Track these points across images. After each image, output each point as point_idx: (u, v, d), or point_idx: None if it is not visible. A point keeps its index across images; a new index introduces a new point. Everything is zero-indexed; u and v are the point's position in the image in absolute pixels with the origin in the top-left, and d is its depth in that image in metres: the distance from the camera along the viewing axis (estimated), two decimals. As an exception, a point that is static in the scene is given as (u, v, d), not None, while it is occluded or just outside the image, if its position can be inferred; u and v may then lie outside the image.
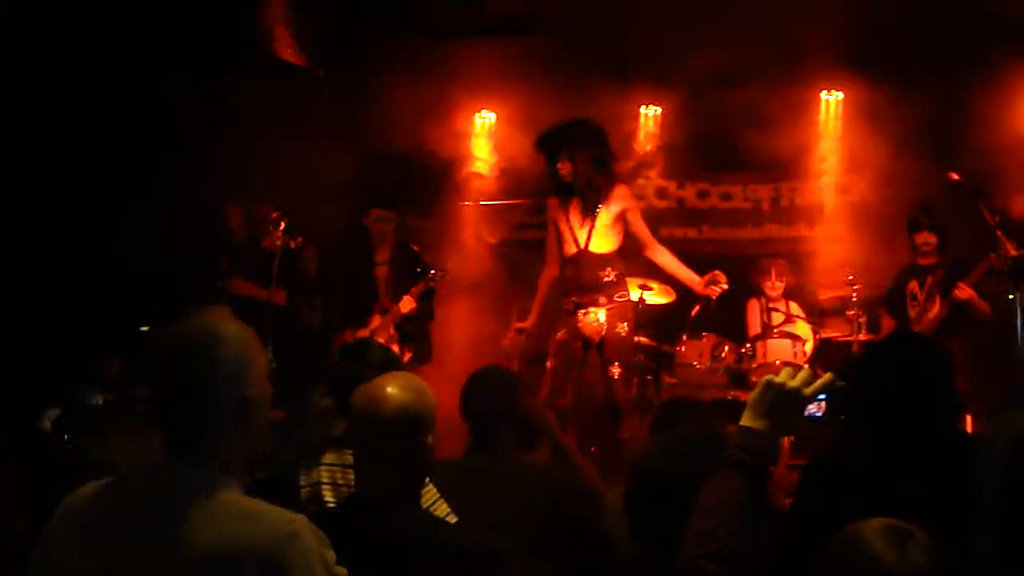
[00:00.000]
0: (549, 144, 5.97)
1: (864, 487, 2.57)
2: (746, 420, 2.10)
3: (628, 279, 6.22)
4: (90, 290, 6.65)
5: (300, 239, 6.52)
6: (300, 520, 1.91)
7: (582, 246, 5.97)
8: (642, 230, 6.12)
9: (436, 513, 2.76)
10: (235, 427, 1.96)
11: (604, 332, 5.85)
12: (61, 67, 6.43)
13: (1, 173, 6.32)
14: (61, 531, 1.97)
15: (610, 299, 5.91)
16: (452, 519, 2.80)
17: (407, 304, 6.54)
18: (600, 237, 5.96)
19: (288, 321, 6.89)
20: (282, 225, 6.39)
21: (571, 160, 5.86)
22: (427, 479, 2.59)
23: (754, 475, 2.04)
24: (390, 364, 2.99)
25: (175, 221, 6.70)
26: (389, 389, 2.49)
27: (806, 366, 2.22)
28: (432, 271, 6.57)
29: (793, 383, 2.09)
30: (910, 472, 2.57)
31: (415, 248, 7.01)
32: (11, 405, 5.32)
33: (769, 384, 2.11)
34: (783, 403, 2.08)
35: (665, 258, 6.17)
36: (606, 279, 5.90)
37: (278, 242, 6.40)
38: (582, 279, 5.93)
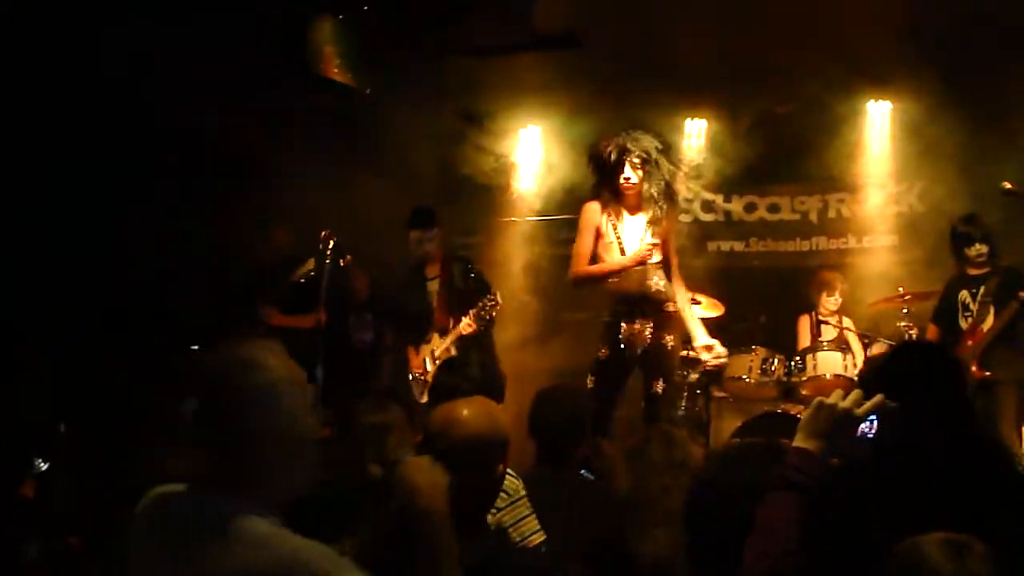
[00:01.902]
0: (619, 149, 5.61)
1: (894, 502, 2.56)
2: (799, 441, 2.14)
3: None
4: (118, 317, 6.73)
5: (349, 257, 6.56)
6: (316, 551, 1.90)
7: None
8: (672, 255, 5.83)
9: (525, 528, 2.78)
10: (266, 457, 1.98)
11: (649, 344, 5.59)
12: (107, 88, 6.52)
13: (39, 200, 6.44)
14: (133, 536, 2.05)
15: (657, 310, 5.66)
16: (540, 536, 2.82)
17: (468, 327, 6.36)
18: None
19: (337, 341, 6.92)
20: (331, 243, 6.45)
21: (645, 168, 5.61)
22: (521, 492, 2.60)
23: (808, 494, 2.06)
24: (490, 382, 3.03)
25: (217, 247, 6.77)
26: (465, 412, 2.50)
27: (857, 391, 2.21)
28: (484, 300, 6.36)
29: (844, 404, 2.13)
30: (935, 481, 2.55)
31: (465, 258, 6.90)
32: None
33: (820, 405, 2.15)
34: (835, 424, 2.12)
35: (681, 298, 5.81)
36: (653, 289, 5.63)
37: (326, 261, 6.46)
38: (628, 290, 5.66)
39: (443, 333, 6.54)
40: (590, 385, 5.58)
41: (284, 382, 2.04)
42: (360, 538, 2.36)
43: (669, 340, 5.62)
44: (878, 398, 2.17)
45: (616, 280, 5.68)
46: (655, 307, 5.62)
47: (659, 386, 5.57)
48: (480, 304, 6.35)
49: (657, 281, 5.63)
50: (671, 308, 5.67)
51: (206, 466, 1.99)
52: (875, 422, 2.14)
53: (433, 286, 6.72)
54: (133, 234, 6.76)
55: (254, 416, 1.97)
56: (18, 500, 4.06)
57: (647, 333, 5.57)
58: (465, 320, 6.40)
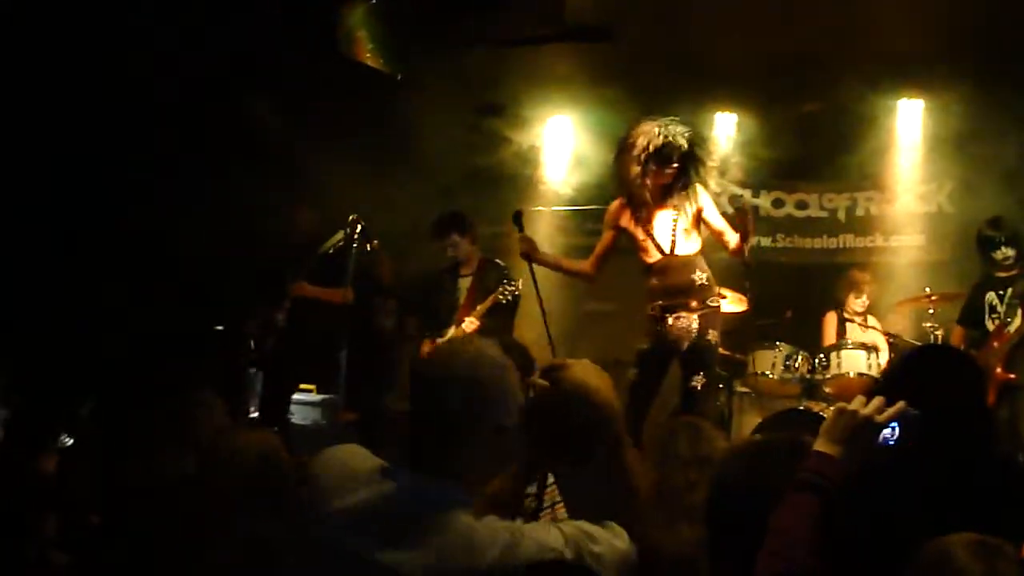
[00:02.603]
0: (651, 139, 5.50)
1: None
2: (819, 445, 2.13)
3: None
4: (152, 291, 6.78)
5: (376, 242, 6.60)
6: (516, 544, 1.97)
7: (668, 251, 5.63)
8: (717, 224, 5.71)
9: (557, 515, 2.80)
10: (486, 451, 2.11)
11: (694, 338, 5.49)
12: (135, 65, 6.56)
13: (72, 174, 6.49)
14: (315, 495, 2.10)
15: (702, 303, 5.54)
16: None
17: (471, 324, 6.46)
18: (685, 239, 5.63)
19: (360, 324, 6.95)
20: (359, 228, 6.48)
21: (684, 163, 5.54)
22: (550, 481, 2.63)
23: (827, 498, 2.06)
24: (525, 367, 3.03)
25: (243, 221, 6.80)
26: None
27: (879, 397, 2.20)
28: (501, 286, 6.47)
29: (865, 411, 2.13)
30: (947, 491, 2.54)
31: (503, 268, 6.88)
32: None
33: (842, 411, 2.15)
34: (855, 430, 2.12)
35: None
36: (698, 283, 5.54)
37: (354, 244, 6.49)
38: (670, 283, 5.56)
39: (459, 326, 6.59)
40: (631, 378, 5.53)
41: (512, 380, 2.15)
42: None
43: (713, 335, 5.54)
44: (900, 405, 2.16)
45: (660, 274, 5.63)
46: (700, 301, 5.56)
47: (699, 381, 5.47)
48: (499, 290, 6.39)
49: (700, 275, 5.57)
50: (714, 303, 5.60)
51: (423, 457, 2.07)
52: (896, 429, 2.13)
53: (465, 283, 6.78)
54: (163, 214, 6.81)
55: (488, 413, 2.09)
56: (38, 475, 4.10)
57: (692, 327, 5.51)
58: (468, 318, 6.47)
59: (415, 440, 2.11)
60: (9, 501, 3.46)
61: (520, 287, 6.44)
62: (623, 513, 2.21)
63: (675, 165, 5.52)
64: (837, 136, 8.25)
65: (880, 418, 2.13)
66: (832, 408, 2.34)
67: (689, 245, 5.61)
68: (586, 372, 2.30)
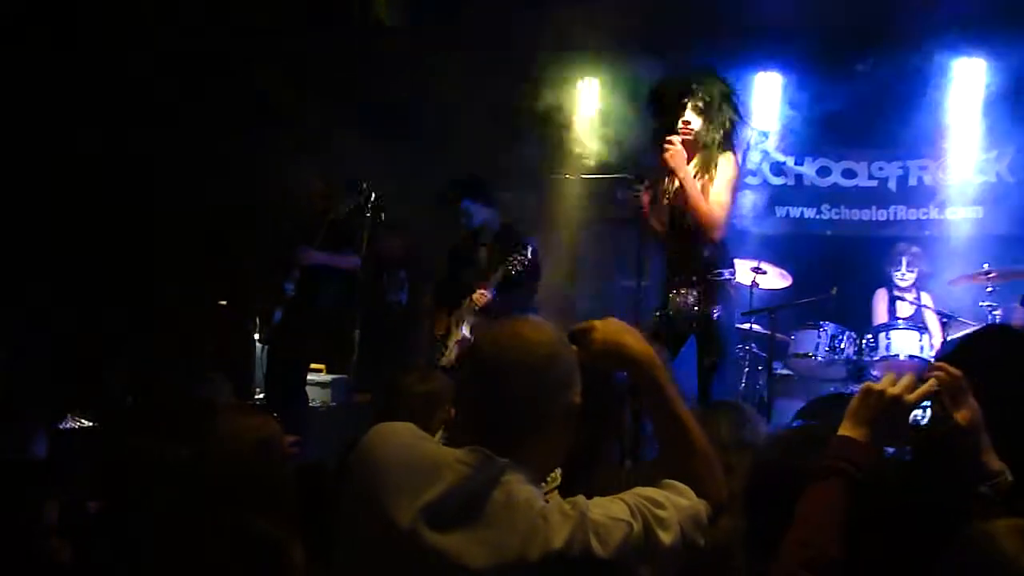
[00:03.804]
0: (681, 89, 5.47)
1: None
2: (845, 429, 2.13)
3: (737, 261, 5.93)
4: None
5: (385, 212, 6.59)
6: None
7: (672, 218, 5.56)
8: (714, 198, 5.45)
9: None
10: (556, 432, 2.14)
11: (696, 315, 5.45)
12: (133, 25, 6.59)
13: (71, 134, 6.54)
14: (369, 479, 2.11)
15: (703, 278, 5.49)
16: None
17: (480, 297, 6.42)
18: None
19: (371, 299, 6.96)
20: (371, 196, 6.48)
21: (707, 112, 5.46)
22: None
23: (854, 484, 2.06)
24: None
25: (251, 189, 6.83)
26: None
27: (910, 374, 2.19)
28: (510, 258, 6.35)
29: (894, 390, 2.12)
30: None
31: (525, 237, 6.75)
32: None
33: (868, 391, 2.14)
34: (885, 411, 2.11)
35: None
36: (699, 255, 5.49)
37: (366, 214, 6.49)
38: (675, 255, 5.57)
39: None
40: None
41: (561, 347, 2.17)
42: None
43: (716, 310, 5.47)
44: (931, 383, 2.15)
45: (667, 244, 5.60)
46: (701, 275, 5.50)
47: (708, 360, 5.43)
48: (508, 260, 6.32)
49: (707, 247, 5.50)
50: (721, 277, 5.53)
51: (489, 440, 2.08)
52: (929, 410, 2.12)
53: (483, 252, 6.70)
54: (162, 180, 6.85)
55: (559, 393, 2.12)
56: (34, 461, 4.16)
57: (691, 302, 5.49)
58: (477, 293, 6.41)
59: (475, 427, 2.12)
60: (7, 488, 3.51)
61: (530, 256, 6.34)
62: (686, 468, 2.22)
63: (702, 117, 5.46)
64: (889, 99, 8.18)
65: (910, 398, 2.11)
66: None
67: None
68: (616, 329, 2.30)
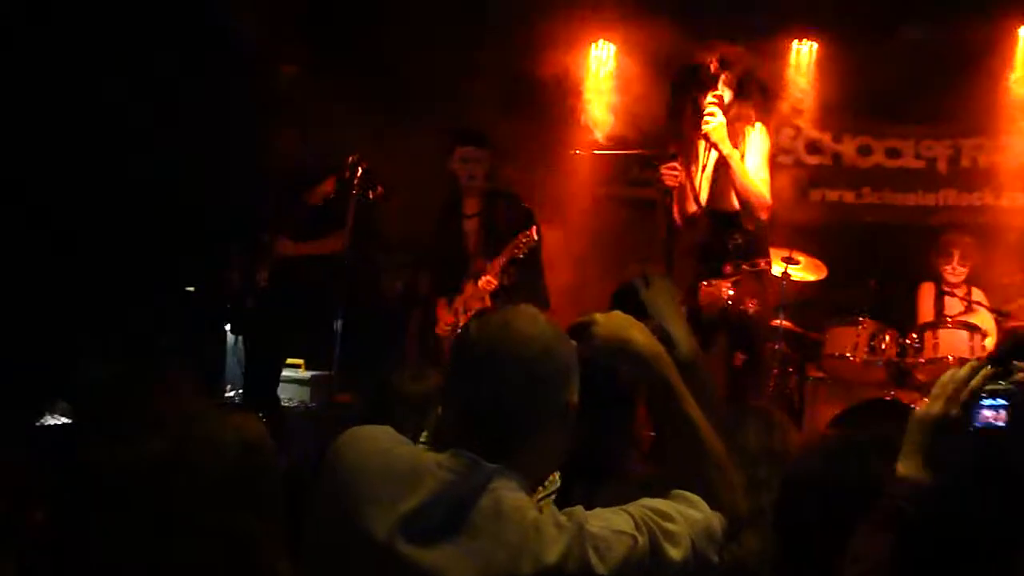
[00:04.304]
0: (710, 59, 5.55)
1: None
2: (904, 468, 2.10)
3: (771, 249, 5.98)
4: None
5: (381, 189, 6.56)
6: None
7: (704, 202, 5.68)
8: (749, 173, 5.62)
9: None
10: (551, 434, 2.13)
11: (729, 309, 5.54)
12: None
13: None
14: (341, 486, 2.13)
15: (737, 268, 5.61)
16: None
17: (487, 284, 6.40)
18: (726, 189, 5.65)
19: (362, 286, 6.94)
20: (360, 171, 6.45)
21: (740, 88, 5.54)
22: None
23: (915, 526, 2.05)
24: None
25: (213, 159, 6.78)
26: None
27: (974, 360, 2.15)
28: (516, 237, 6.32)
29: (936, 409, 2.08)
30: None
31: (513, 193, 6.77)
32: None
33: (913, 418, 2.12)
34: (936, 431, 2.09)
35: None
36: (733, 243, 5.62)
37: (354, 191, 6.46)
38: (704, 242, 5.69)
39: (476, 279, 6.50)
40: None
41: (574, 351, 2.18)
42: None
43: (751, 304, 5.56)
44: (985, 370, 2.10)
45: (694, 229, 5.70)
46: (735, 264, 5.57)
47: (739, 358, 5.54)
48: (511, 243, 6.30)
49: (738, 234, 5.59)
50: (756, 267, 5.61)
51: (479, 442, 2.08)
52: (1003, 409, 2.06)
53: (471, 225, 6.65)
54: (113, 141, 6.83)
55: (556, 390, 2.13)
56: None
57: (723, 294, 5.52)
58: (485, 277, 6.37)
59: (463, 429, 2.11)
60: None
61: (536, 234, 6.32)
62: (698, 476, 2.20)
63: (731, 93, 5.51)
64: (940, 69, 8.13)
65: (965, 393, 2.06)
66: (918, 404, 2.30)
67: (732, 196, 5.58)
68: (620, 324, 2.28)
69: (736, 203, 5.60)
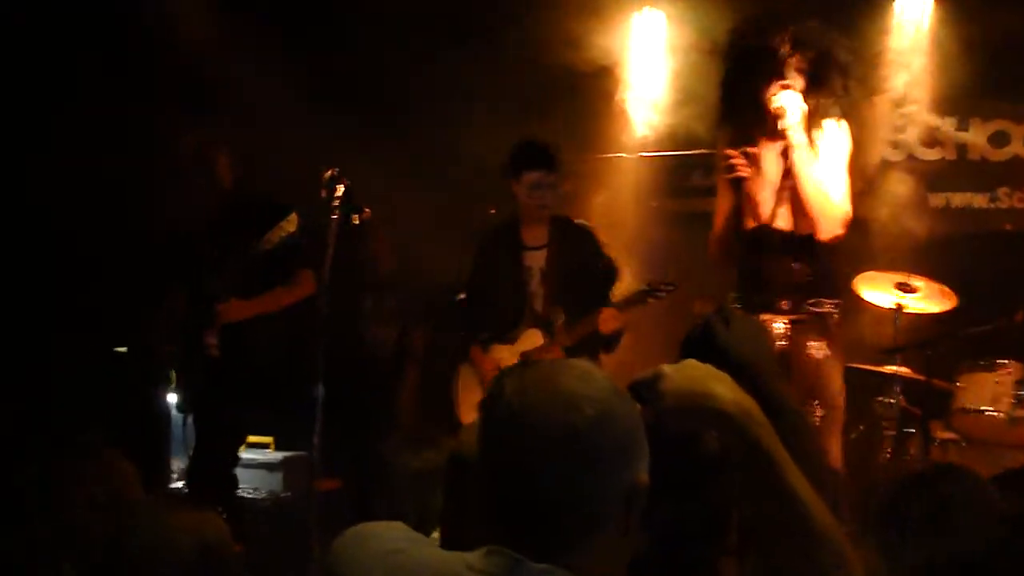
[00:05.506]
0: (793, 43, 5.61)
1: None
2: None
3: (871, 274, 6.03)
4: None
5: (368, 212, 6.55)
6: None
7: (766, 218, 5.77)
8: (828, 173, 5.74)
9: None
10: (615, 525, 2.10)
11: (788, 351, 5.57)
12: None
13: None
14: None
15: (798, 306, 5.67)
16: None
17: (609, 323, 6.48)
18: (794, 204, 5.72)
19: (344, 337, 6.94)
20: (339, 189, 6.44)
21: (817, 72, 5.60)
22: None
23: None
24: None
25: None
26: None
27: None
28: (661, 285, 6.48)
29: None
30: None
31: (587, 227, 6.92)
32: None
33: None
34: None
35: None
36: (796, 273, 5.68)
37: (333, 215, 6.45)
38: (759, 269, 5.74)
39: (545, 327, 6.62)
40: None
41: (625, 404, 2.15)
42: None
43: (814, 347, 5.64)
44: None
45: (747, 251, 5.76)
46: (796, 299, 5.64)
47: (817, 411, 5.57)
48: (647, 288, 6.46)
49: (803, 266, 5.67)
50: (820, 308, 5.69)
51: (527, 547, 2.07)
52: None
53: (535, 259, 6.78)
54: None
55: (618, 470, 2.10)
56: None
57: (781, 334, 5.58)
58: (606, 312, 6.43)
59: (500, 520, 2.11)
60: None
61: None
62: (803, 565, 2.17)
63: (804, 79, 5.59)
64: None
65: None
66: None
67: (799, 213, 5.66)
68: (696, 375, 2.24)
69: (804, 223, 5.68)
